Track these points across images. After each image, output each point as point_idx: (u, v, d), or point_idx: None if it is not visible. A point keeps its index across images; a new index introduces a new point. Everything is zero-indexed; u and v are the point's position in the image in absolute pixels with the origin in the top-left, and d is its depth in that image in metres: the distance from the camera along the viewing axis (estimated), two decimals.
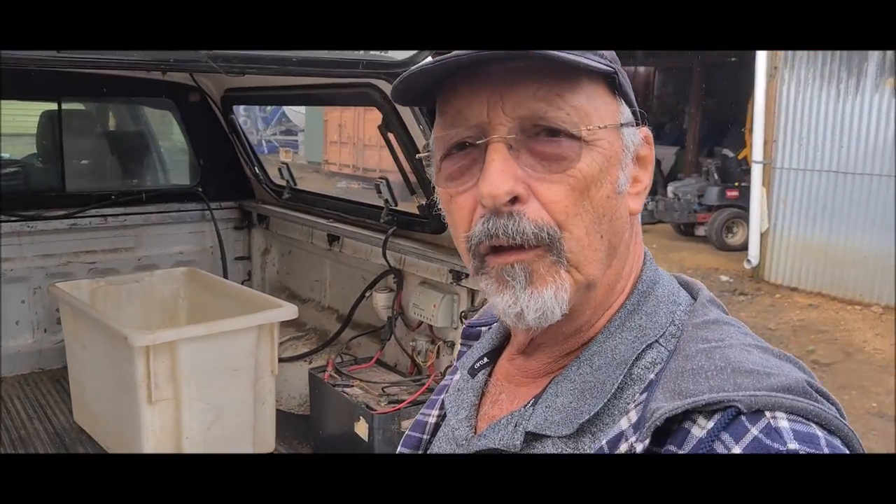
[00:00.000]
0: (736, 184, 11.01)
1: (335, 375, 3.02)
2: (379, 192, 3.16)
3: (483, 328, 0.99)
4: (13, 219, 3.68)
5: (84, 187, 4.03)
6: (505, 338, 0.91)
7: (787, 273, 8.83)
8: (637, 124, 0.80)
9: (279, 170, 4.00)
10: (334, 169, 17.30)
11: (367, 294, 3.32)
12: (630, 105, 0.79)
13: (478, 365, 0.91)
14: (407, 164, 2.86)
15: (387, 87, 2.44)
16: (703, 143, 14.29)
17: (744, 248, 9.61)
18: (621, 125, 0.77)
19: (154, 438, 2.78)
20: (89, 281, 3.45)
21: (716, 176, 11.34)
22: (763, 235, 9.03)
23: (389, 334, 3.13)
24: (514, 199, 0.71)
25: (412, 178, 2.91)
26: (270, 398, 3.05)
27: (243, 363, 2.93)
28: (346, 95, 3.07)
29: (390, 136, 2.82)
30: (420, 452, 0.96)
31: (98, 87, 3.84)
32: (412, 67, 0.73)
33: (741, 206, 10.33)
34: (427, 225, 2.94)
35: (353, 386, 2.93)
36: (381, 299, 3.18)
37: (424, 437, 0.97)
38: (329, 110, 16.62)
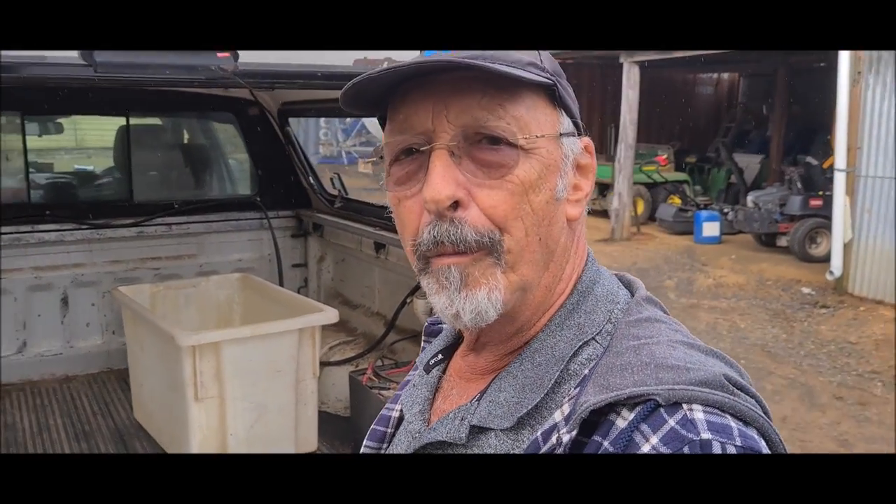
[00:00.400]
0: (820, 193, 10.61)
1: (374, 378, 3.09)
2: None
3: (444, 325, 1.02)
4: (84, 227, 3.92)
5: (150, 197, 4.26)
6: (459, 335, 0.95)
7: (871, 285, 8.45)
8: (578, 134, 0.83)
9: (331, 180, 4.12)
10: None
11: (408, 300, 3.38)
12: (571, 116, 0.82)
13: (433, 361, 0.94)
14: None
15: None
16: (789, 151, 13.84)
17: (828, 259, 9.24)
18: (560, 135, 0.80)
19: (201, 435, 2.91)
20: (150, 285, 3.65)
21: (799, 184, 10.96)
22: (846, 246, 8.67)
23: None
24: (457, 204, 0.75)
25: None
26: (312, 400, 3.14)
27: (285, 365, 3.03)
28: None
29: None
30: (385, 445, 1.01)
31: (164, 103, 4.06)
32: (361, 76, 0.77)
33: (825, 216, 9.94)
34: None
35: (390, 389, 2.99)
36: (421, 305, 3.24)
37: (388, 430, 1.00)
38: None
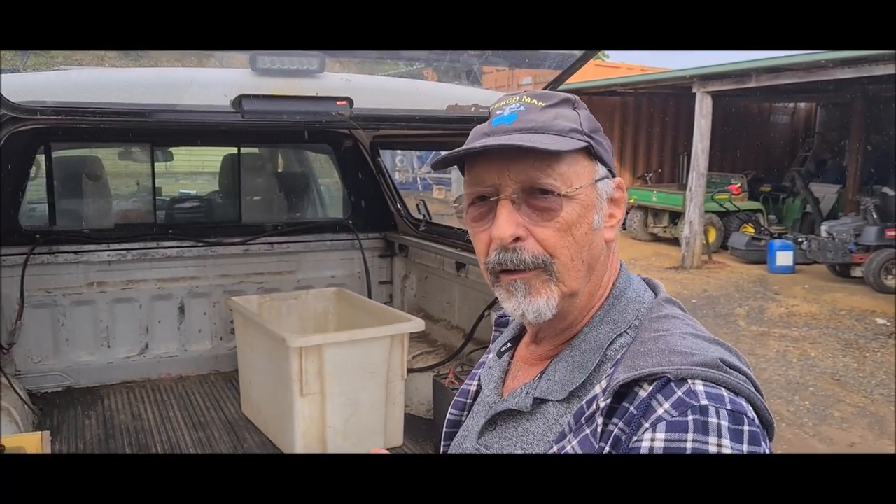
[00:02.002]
0: None
1: (455, 381, 3.47)
2: None
3: (510, 319, 1.35)
4: (200, 244, 4.45)
5: (256, 219, 4.79)
6: (522, 329, 1.26)
7: None
8: (612, 175, 1.10)
9: (416, 205, 4.55)
10: None
11: (486, 313, 3.75)
12: (605, 163, 1.09)
13: (503, 349, 1.27)
14: None
15: None
16: (868, 181, 13.65)
17: None
18: (596, 181, 1.06)
19: (304, 426, 3.34)
20: (257, 296, 4.14)
21: (874, 215, 10.88)
22: None
23: None
24: (517, 239, 1.02)
25: None
26: (400, 399, 3.55)
27: (378, 367, 3.44)
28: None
29: None
30: (465, 413, 1.31)
31: (271, 135, 4.58)
32: (452, 152, 1.06)
33: None
34: None
35: None
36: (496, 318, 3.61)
37: (468, 401, 1.33)
38: None
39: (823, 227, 11.43)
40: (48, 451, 2.51)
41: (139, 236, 4.32)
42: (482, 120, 2.70)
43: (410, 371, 3.88)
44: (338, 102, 2.41)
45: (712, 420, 0.87)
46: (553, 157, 1.02)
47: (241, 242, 4.56)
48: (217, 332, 4.58)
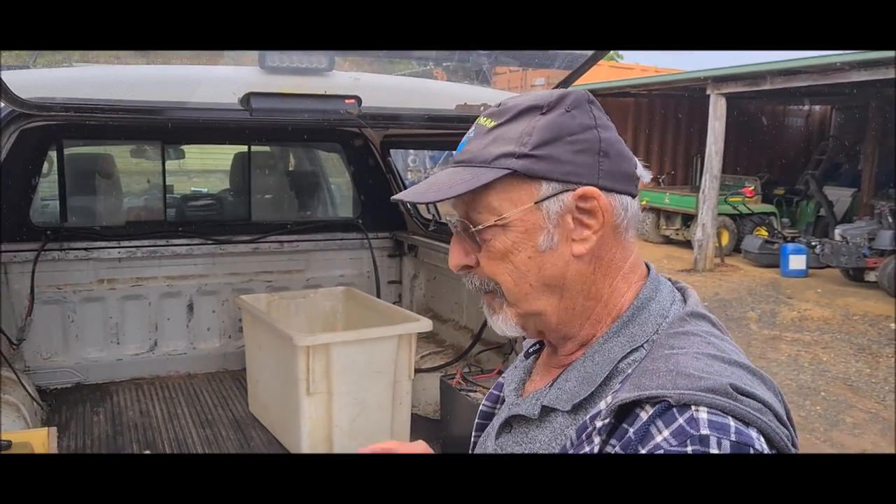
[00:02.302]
0: None
1: (462, 382, 3.46)
2: None
3: None
4: (209, 242, 4.46)
5: (266, 217, 4.79)
6: None
7: None
8: (576, 186, 1.00)
9: (426, 205, 4.53)
10: None
11: None
12: (554, 178, 1.00)
13: (530, 350, 1.27)
14: None
15: None
16: (883, 185, 13.56)
17: None
18: (537, 202, 1.00)
19: (310, 425, 3.34)
20: (266, 294, 4.14)
21: (889, 219, 10.81)
22: None
23: (511, 349, 3.54)
24: (466, 266, 1.06)
25: None
26: (407, 399, 3.54)
27: (385, 367, 3.44)
28: None
29: None
30: (498, 406, 1.29)
31: (281, 133, 4.58)
32: (402, 195, 1.10)
33: None
34: None
35: (476, 391, 3.35)
36: None
37: (501, 394, 1.29)
38: None
39: (837, 231, 11.36)
40: (55, 447, 2.51)
41: (149, 234, 4.33)
42: None
43: (418, 371, 3.87)
44: (346, 101, 2.40)
45: (713, 452, 0.83)
46: (480, 193, 1.01)
47: (250, 241, 4.56)
48: (225, 330, 4.59)
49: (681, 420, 0.86)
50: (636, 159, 1.07)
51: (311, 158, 5.36)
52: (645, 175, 1.07)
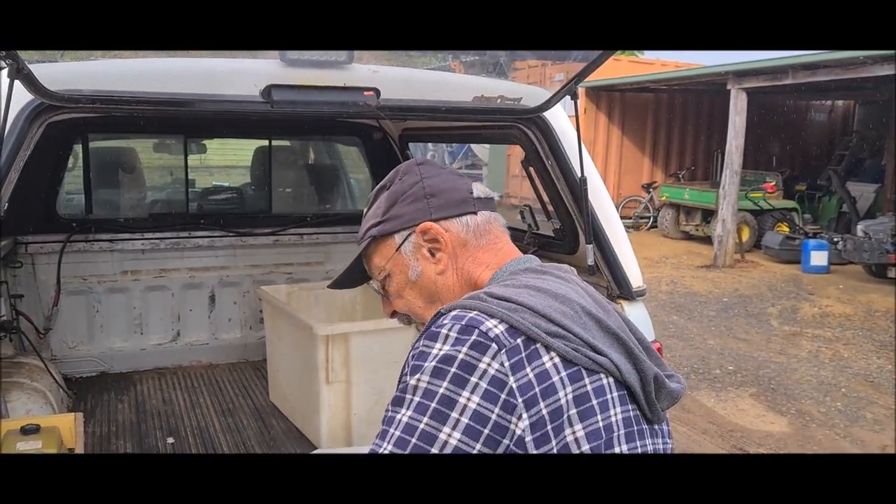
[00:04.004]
0: None
1: None
2: (523, 217, 3.62)
3: None
4: (231, 234, 4.53)
5: (286, 210, 4.85)
6: None
7: None
8: (417, 224, 1.32)
9: None
10: (514, 202, 17.91)
11: None
12: (401, 226, 1.34)
13: None
14: (545, 193, 3.30)
15: (527, 129, 2.91)
16: None
17: None
18: (397, 249, 1.35)
19: (329, 413, 3.39)
20: (286, 286, 4.20)
21: None
22: None
23: None
24: (393, 312, 1.44)
25: (549, 206, 3.34)
26: None
27: (402, 356, 3.46)
28: (495, 135, 3.59)
29: (531, 170, 3.28)
30: None
31: (301, 127, 4.64)
32: (335, 282, 1.60)
33: None
34: (562, 246, 3.35)
35: None
36: None
37: None
38: (512, 146, 17.29)
39: (860, 227, 11.26)
40: (81, 432, 2.58)
41: (172, 226, 4.40)
42: (508, 111, 2.69)
43: None
44: (365, 93, 2.44)
45: (443, 331, 1.10)
46: (368, 258, 1.41)
47: (270, 233, 4.63)
48: (246, 321, 4.66)
49: (441, 318, 1.14)
50: (468, 182, 1.36)
51: (330, 152, 5.41)
52: (486, 190, 1.36)
